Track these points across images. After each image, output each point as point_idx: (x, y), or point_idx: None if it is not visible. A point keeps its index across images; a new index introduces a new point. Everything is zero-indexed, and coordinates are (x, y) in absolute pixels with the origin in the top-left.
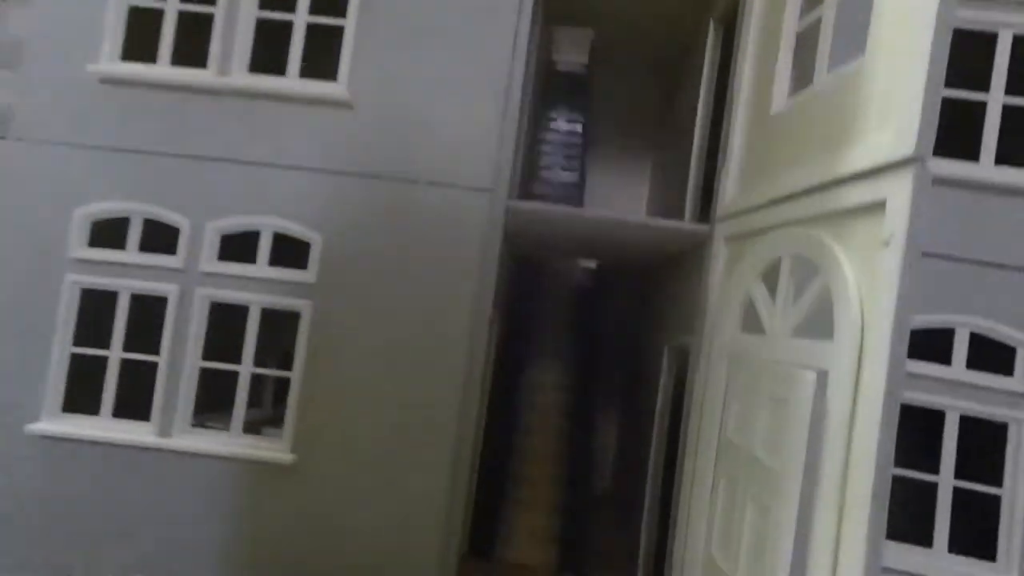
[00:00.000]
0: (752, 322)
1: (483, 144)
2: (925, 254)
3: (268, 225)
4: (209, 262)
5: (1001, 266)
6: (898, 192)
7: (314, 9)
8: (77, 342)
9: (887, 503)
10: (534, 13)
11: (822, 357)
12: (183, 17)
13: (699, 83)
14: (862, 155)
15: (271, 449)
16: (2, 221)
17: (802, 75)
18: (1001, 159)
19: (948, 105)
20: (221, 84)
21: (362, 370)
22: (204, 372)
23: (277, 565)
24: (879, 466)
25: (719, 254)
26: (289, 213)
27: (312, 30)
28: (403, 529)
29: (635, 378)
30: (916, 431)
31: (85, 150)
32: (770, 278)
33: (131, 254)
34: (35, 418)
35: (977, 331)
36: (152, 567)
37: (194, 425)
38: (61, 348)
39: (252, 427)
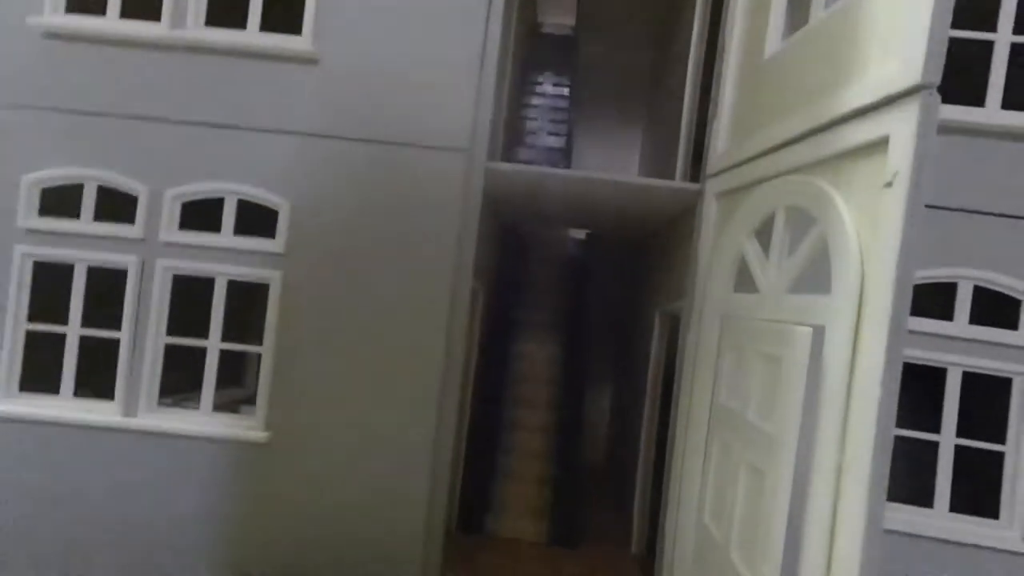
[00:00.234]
0: (745, 281)
1: (458, 102)
2: (926, 205)
3: (231, 191)
4: (170, 231)
5: (1006, 216)
6: (903, 126)
7: None
8: (33, 317)
9: (888, 468)
10: None
11: (819, 312)
12: None
13: (689, 38)
14: (862, 90)
15: (244, 427)
16: None
17: (797, 18)
18: (1008, 103)
19: (952, 45)
20: (175, 38)
21: (337, 343)
22: (184, 351)
23: (254, 547)
24: (880, 428)
25: (710, 212)
26: (253, 178)
27: None
28: (386, 506)
29: (627, 347)
30: (916, 389)
31: (29, 111)
32: (763, 234)
33: (86, 224)
34: None
35: (981, 284)
36: (118, 552)
37: (171, 405)
38: (15, 324)
39: (231, 406)
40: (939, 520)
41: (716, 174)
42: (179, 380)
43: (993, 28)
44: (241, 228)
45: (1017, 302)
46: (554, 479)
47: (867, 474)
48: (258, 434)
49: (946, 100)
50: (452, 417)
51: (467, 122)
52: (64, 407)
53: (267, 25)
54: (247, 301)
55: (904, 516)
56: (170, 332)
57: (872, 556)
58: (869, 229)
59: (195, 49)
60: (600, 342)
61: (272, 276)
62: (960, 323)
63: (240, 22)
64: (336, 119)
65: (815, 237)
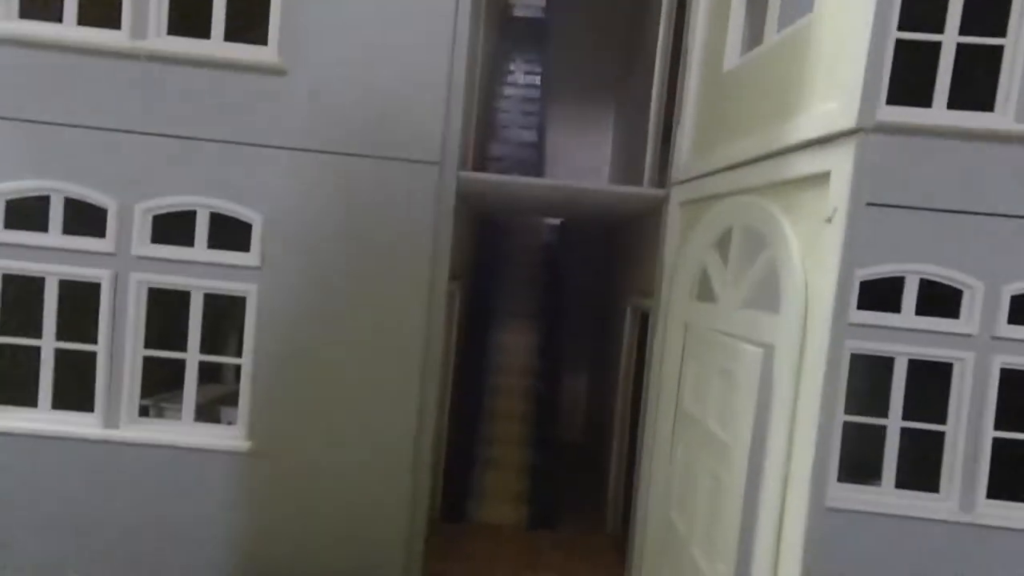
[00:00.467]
0: (707, 290)
1: (429, 113)
2: (878, 204)
3: (203, 205)
4: (143, 245)
5: (950, 211)
6: (842, 164)
7: None
8: (6, 331)
9: (827, 477)
10: None
11: (769, 331)
12: None
13: (656, 37)
14: (808, 123)
15: (226, 437)
16: None
17: (754, 33)
18: (954, 102)
19: (902, 48)
20: (136, 48)
21: (316, 351)
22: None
23: (239, 553)
24: (819, 439)
25: (674, 219)
26: (225, 192)
27: None
28: (370, 500)
29: (603, 334)
30: (869, 376)
31: None
32: (724, 246)
33: (54, 237)
34: None
35: (926, 277)
36: (101, 564)
37: (149, 407)
38: None
39: (212, 404)
40: (886, 496)
41: (680, 183)
42: (157, 379)
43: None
44: (219, 241)
45: (959, 292)
46: (532, 466)
47: (809, 479)
48: (241, 443)
49: (898, 101)
50: (432, 413)
51: (438, 134)
52: (43, 420)
53: (238, 36)
54: (227, 305)
55: (854, 494)
56: (149, 337)
57: (814, 549)
58: (813, 258)
59: (158, 59)
60: (578, 327)
61: (248, 289)
62: (907, 315)
63: (206, 32)
64: (307, 132)
65: (766, 258)
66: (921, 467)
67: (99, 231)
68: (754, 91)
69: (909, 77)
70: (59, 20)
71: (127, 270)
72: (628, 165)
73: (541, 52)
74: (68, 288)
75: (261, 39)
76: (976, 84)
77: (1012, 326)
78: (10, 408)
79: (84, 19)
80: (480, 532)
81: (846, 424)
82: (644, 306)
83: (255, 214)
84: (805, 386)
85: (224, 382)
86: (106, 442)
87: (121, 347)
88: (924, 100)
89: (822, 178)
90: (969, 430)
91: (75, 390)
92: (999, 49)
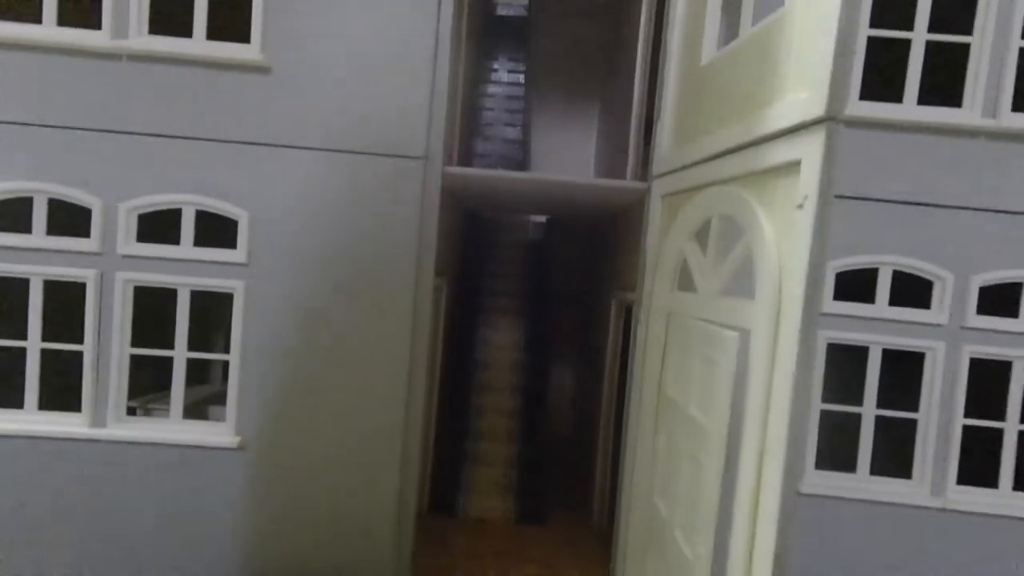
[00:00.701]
0: (687, 279)
1: (413, 110)
2: (852, 197)
3: (188, 203)
4: (128, 244)
5: (921, 204)
6: (812, 153)
7: None
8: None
9: (800, 458)
10: None
11: (745, 316)
12: None
13: (638, 32)
14: (781, 113)
15: (215, 433)
16: None
17: (730, 27)
18: (925, 97)
19: (875, 47)
20: (118, 47)
21: (304, 348)
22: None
23: (230, 548)
24: (792, 420)
25: (656, 211)
26: (210, 189)
27: None
28: (359, 494)
29: (590, 327)
30: (845, 365)
31: None
32: (703, 236)
33: (39, 238)
34: None
35: (899, 268)
36: (92, 562)
37: (137, 409)
38: None
39: (200, 404)
40: (861, 482)
41: (661, 175)
42: (145, 381)
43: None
44: (205, 238)
45: (929, 283)
46: (520, 460)
47: (782, 460)
48: (229, 439)
49: (871, 97)
50: (419, 408)
51: (422, 129)
52: (30, 420)
53: (221, 34)
54: (215, 301)
55: (830, 481)
56: (137, 336)
57: (787, 529)
58: (786, 244)
59: (138, 58)
60: (564, 323)
61: (235, 286)
62: (880, 305)
63: (187, 31)
64: (292, 129)
65: (743, 246)
66: (895, 454)
67: (84, 231)
68: (730, 84)
69: (881, 74)
70: (38, 21)
71: (113, 269)
72: (612, 161)
73: (525, 50)
74: (55, 288)
75: (244, 37)
76: (945, 80)
77: (981, 316)
78: None
79: (64, 20)
80: (468, 526)
81: (823, 412)
82: (628, 299)
83: (241, 211)
84: (779, 369)
85: (211, 383)
86: (94, 441)
87: (108, 346)
88: (896, 96)
89: (794, 167)
90: (940, 418)
91: (63, 390)
92: (967, 47)
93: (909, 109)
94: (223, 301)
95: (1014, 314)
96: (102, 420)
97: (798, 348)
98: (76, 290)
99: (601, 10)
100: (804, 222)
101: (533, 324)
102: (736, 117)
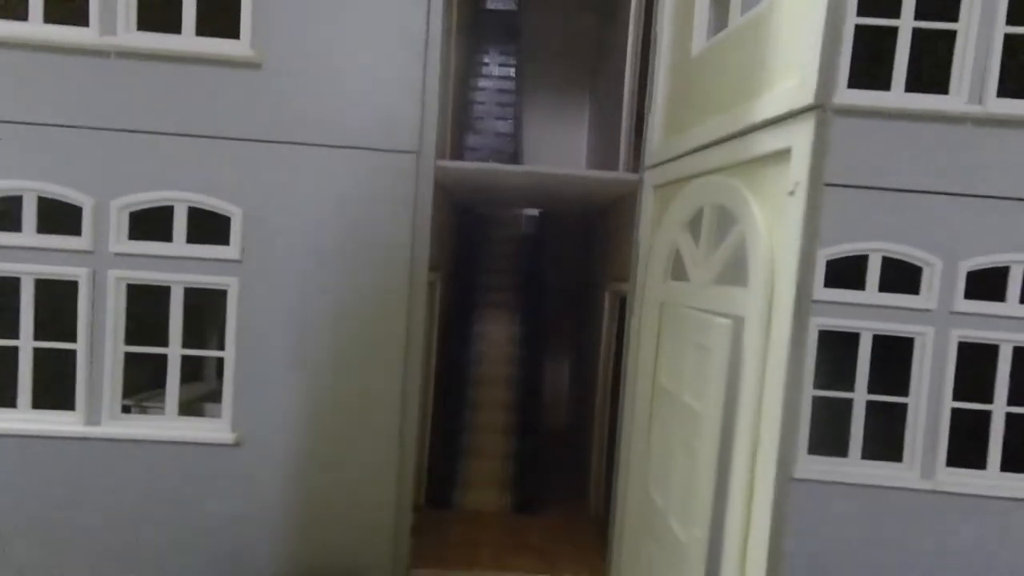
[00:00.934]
0: (680, 270)
1: (404, 104)
2: (841, 185)
3: (180, 200)
4: (120, 242)
5: (909, 191)
6: (802, 140)
7: None
8: None
9: (794, 443)
10: None
11: (739, 304)
12: None
13: (628, 26)
14: (771, 101)
15: (211, 429)
16: None
17: (719, 17)
18: (912, 84)
19: (863, 36)
20: (106, 44)
21: (298, 343)
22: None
23: (227, 543)
24: (787, 404)
25: (648, 203)
26: (203, 186)
27: None
28: (356, 488)
29: (584, 321)
30: (837, 350)
31: None
32: (695, 226)
33: (29, 236)
34: None
35: (888, 255)
36: (86, 561)
37: (132, 408)
38: None
39: (196, 402)
40: (853, 467)
41: (653, 166)
42: (139, 379)
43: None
44: (199, 235)
45: (919, 269)
46: (516, 453)
47: (776, 444)
48: (226, 435)
49: (859, 86)
50: (415, 401)
51: (414, 123)
52: (23, 419)
53: (211, 30)
54: (210, 298)
55: (822, 465)
56: (131, 332)
57: (782, 514)
58: (778, 231)
59: (127, 55)
60: (559, 315)
61: (229, 282)
62: (871, 292)
63: (176, 27)
64: (284, 124)
65: (736, 235)
66: (886, 438)
67: (75, 229)
68: (720, 74)
69: (869, 63)
70: (25, 19)
71: (105, 267)
72: (604, 153)
73: (515, 43)
74: (48, 287)
75: (234, 33)
76: (932, 68)
77: (968, 301)
78: None
79: (51, 17)
80: (465, 518)
81: (815, 399)
82: (622, 291)
83: (234, 207)
84: (772, 354)
85: (207, 382)
86: (88, 439)
87: (101, 344)
88: (883, 85)
89: (784, 155)
90: (929, 401)
91: (58, 389)
92: (953, 34)
93: (897, 97)
94: (219, 298)
95: (1001, 298)
96: (96, 418)
97: (791, 333)
98: (70, 288)
99: (591, 3)
100: (795, 209)
101: (527, 318)
102: (726, 107)
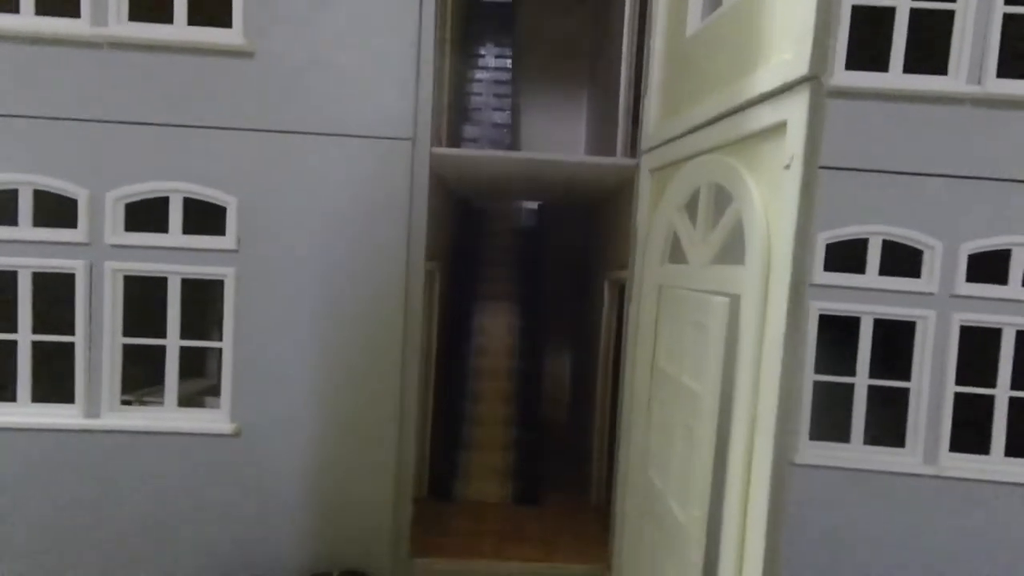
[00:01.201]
0: (678, 253)
1: (399, 91)
2: (841, 168)
3: (176, 190)
4: (116, 234)
5: (909, 174)
6: (797, 112)
7: None
8: None
9: (792, 420)
10: None
11: (736, 282)
12: None
13: (624, 9)
14: (766, 76)
15: (210, 420)
16: None
17: None
18: (911, 65)
19: (861, 15)
20: (98, 35)
21: (296, 331)
22: (144, 347)
23: (226, 534)
24: (783, 383)
25: (645, 186)
26: (198, 176)
27: None
28: (356, 479)
29: (585, 312)
30: (838, 336)
31: None
32: (692, 208)
33: (25, 229)
34: None
35: (889, 238)
36: (90, 552)
37: (133, 402)
38: None
39: (196, 397)
40: (855, 452)
41: (649, 150)
42: (141, 376)
43: None
44: (195, 226)
45: (919, 252)
46: (516, 444)
47: (774, 422)
48: (225, 426)
49: (857, 67)
50: (414, 391)
51: (409, 110)
52: (23, 413)
53: (202, 20)
54: (209, 291)
55: (824, 451)
56: (130, 328)
57: (780, 492)
58: (774, 206)
59: (121, 46)
60: (560, 307)
61: (226, 272)
62: (871, 275)
63: (168, 17)
64: (278, 113)
65: (733, 213)
66: (888, 423)
67: (71, 221)
68: (715, 53)
69: (868, 45)
70: (16, 11)
71: (101, 259)
72: (602, 143)
73: (511, 34)
74: (46, 280)
75: (226, 22)
76: (931, 48)
77: (970, 284)
78: None
79: (43, 8)
80: (466, 509)
81: (817, 384)
82: (621, 278)
83: (229, 197)
84: (769, 331)
85: (207, 376)
86: (88, 431)
87: (99, 336)
88: (882, 67)
89: (780, 128)
90: (932, 386)
91: (58, 382)
92: (951, 14)
93: (895, 78)
94: (220, 292)
95: (1003, 281)
96: (96, 410)
97: (787, 308)
98: (68, 281)
99: None
100: (791, 183)
101: (528, 310)
102: (722, 85)
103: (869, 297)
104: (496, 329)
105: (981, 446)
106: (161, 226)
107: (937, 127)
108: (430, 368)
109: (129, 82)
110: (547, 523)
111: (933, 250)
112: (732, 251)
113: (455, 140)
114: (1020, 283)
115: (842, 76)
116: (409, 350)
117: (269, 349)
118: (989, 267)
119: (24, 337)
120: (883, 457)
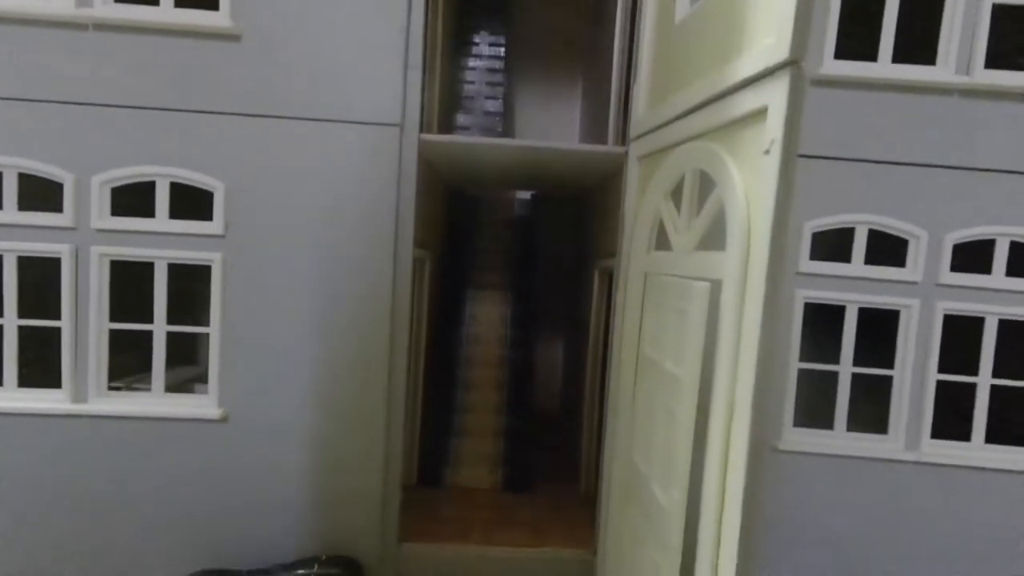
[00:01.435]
0: (664, 240)
1: (387, 77)
2: (827, 157)
3: (162, 175)
4: (102, 218)
5: (895, 163)
6: (777, 97)
7: None
8: None
9: (766, 406)
10: None
11: (717, 268)
12: None
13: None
14: (748, 61)
15: (197, 406)
16: None
17: None
18: (899, 55)
19: (849, 6)
20: (82, 16)
21: (284, 317)
22: (133, 334)
23: (214, 520)
24: (759, 367)
25: (633, 174)
26: (184, 161)
27: None
28: (344, 467)
29: (576, 304)
30: (823, 325)
31: None
32: (678, 195)
33: (9, 213)
34: None
35: (874, 227)
36: (75, 538)
37: (122, 387)
38: None
39: (186, 384)
40: (838, 439)
41: (637, 137)
42: (131, 363)
43: None
44: (183, 211)
45: (904, 241)
46: (506, 431)
47: (750, 406)
48: (212, 411)
49: (845, 56)
50: (403, 378)
51: (398, 96)
52: (9, 398)
53: (189, 2)
54: (197, 277)
55: (808, 438)
56: (117, 314)
57: (756, 475)
58: (755, 192)
59: (106, 27)
60: (552, 297)
61: (213, 257)
62: (856, 264)
63: None
64: (266, 97)
65: (715, 199)
66: (871, 410)
67: (57, 205)
68: (701, 40)
69: (856, 35)
70: None
71: (87, 244)
72: (595, 133)
73: (504, 24)
74: (32, 264)
75: (213, 4)
76: (919, 38)
77: (954, 273)
78: None
79: None
80: (455, 495)
81: (801, 372)
82: (610, 267)
83: (216, 182)
84: (748, 315)
85: (199, 364)
86: (75, 416)
87: (85, 321)
88: (870, 56)
89: (761, 114)
90: (915, 374)
91: (46, 368)
92: (941, 3)
93: (884, 67)
94: (203, 278)
95: (987, 270)
96: (83, 395)
97: (765, 291)
98: (54, 265)
99: None
100: (770, 166)
101: (520, 299)
102: (707, 71)
103: (854, 286)
104: (488, 318)
105: (963, 433)
106: (148, 211)
107: (924, 117)
108: (419, 355)
109: (115, 64)
110: (537, 510)
111: (918, 239)
112: (715, 237)
113: (448, 128)
114: (1004, 272)
115: (830, 65)
116: (397, 337)
117: (256, 335)
118: (974, 257)
119: (10, 322)
120: (866, 443)
